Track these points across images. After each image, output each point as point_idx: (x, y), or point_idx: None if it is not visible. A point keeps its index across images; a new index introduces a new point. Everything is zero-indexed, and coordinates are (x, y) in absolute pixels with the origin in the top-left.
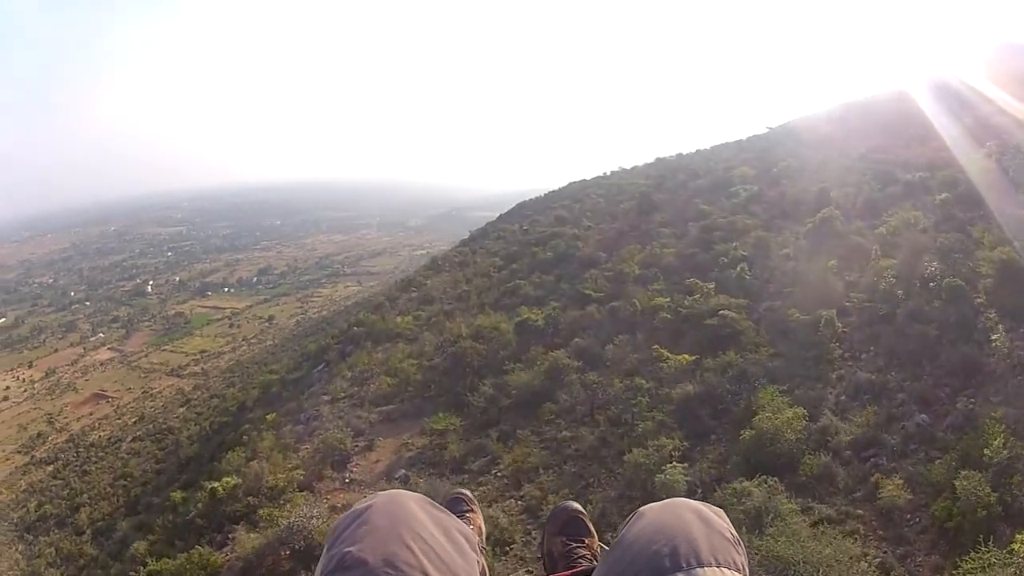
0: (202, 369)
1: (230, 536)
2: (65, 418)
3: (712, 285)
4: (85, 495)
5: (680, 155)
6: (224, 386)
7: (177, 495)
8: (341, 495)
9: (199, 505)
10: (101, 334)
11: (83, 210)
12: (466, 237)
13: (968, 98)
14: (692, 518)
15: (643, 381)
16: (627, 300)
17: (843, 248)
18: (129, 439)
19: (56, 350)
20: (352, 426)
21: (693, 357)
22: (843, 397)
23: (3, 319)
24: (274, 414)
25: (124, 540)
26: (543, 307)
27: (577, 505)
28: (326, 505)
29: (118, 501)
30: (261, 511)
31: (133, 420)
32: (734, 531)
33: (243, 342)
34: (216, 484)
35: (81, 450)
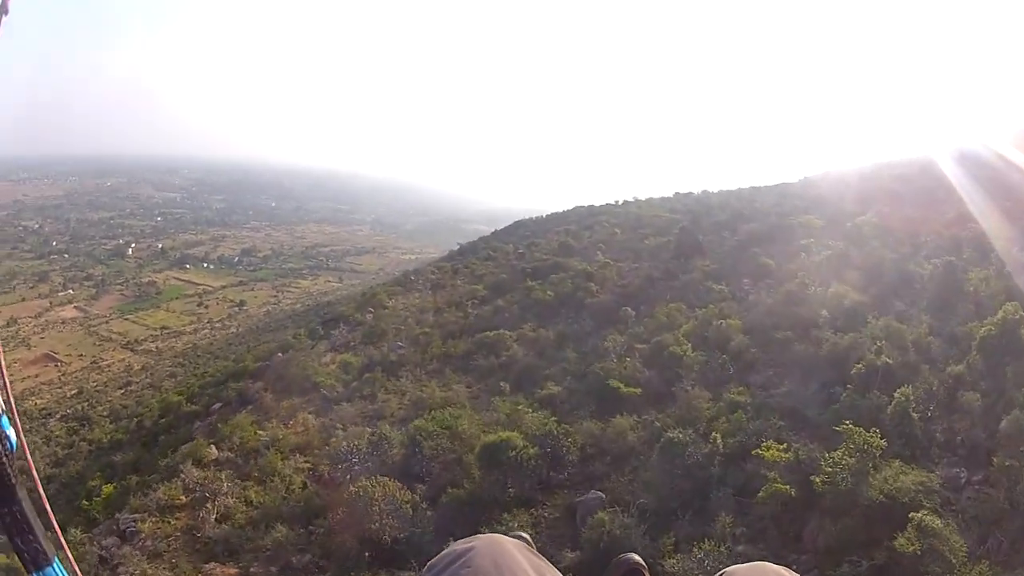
0: (156, 348)
1: None
2: (12, 376)
3: (880, 437)
4: None
5: (706, 192)
6: (167, 375)
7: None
8: None
9: None
10: (71, 290)
11: (86, 159)
12: (455, 250)
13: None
14: None
15: None
16: (690, 419)
17: None
18: (57, 416)
19: (23, 299)
20: None
21: None
22: None
23: None
24: (112, 488)
25: None
26: (533, 390)
27: (638, 558)
28: None
29: None
30: None
31: (72, 392)
32: None
33: (207, 324)
34: None
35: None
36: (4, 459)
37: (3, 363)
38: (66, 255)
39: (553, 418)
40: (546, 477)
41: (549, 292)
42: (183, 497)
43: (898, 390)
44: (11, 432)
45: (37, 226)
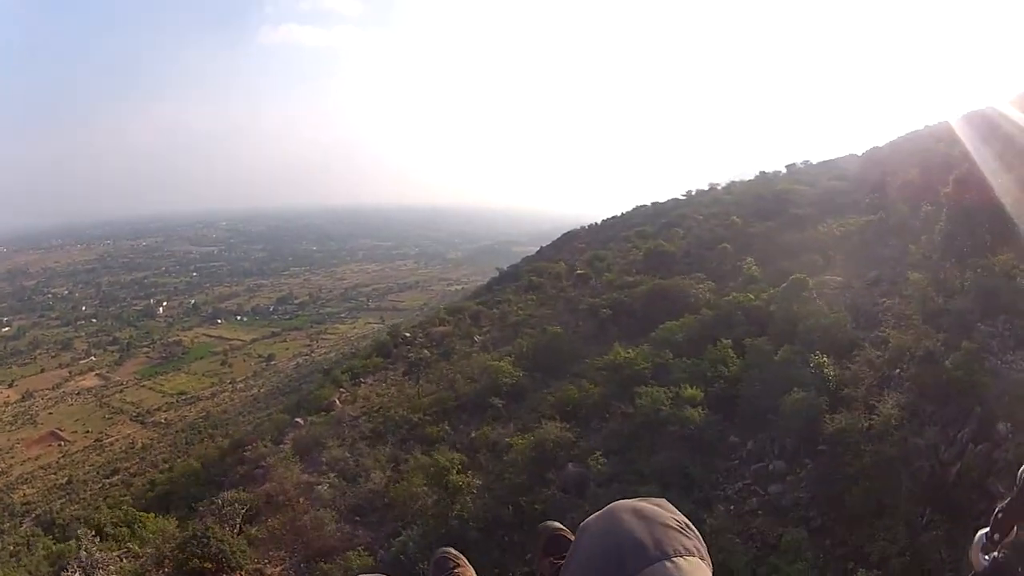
0: (166, 420)
1: None
2: (12, 458)
3: None
4: None
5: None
6: (150, 464)
7: None
8: None
9: None
10: (93, 357)
11: (120, 222)
12: (494, 277)
13: None
14: (630, 518)
15: None
16: None
17: None
18: (32, 516)
19: (42, 370)
20: None
21: None
22: None
23: (7, 328)
24: None
25: None
26: None
27: (556, 523)
28: None
29: None
30: None
31: (62, 481)
32: (680, 517)
33: (228, 385)
34: None
35: None
36: None
37: None
38: (94, 319)
39: None
40: None
41: (698, 410)
42: None
43: None
44: None
45: (67, 292)
